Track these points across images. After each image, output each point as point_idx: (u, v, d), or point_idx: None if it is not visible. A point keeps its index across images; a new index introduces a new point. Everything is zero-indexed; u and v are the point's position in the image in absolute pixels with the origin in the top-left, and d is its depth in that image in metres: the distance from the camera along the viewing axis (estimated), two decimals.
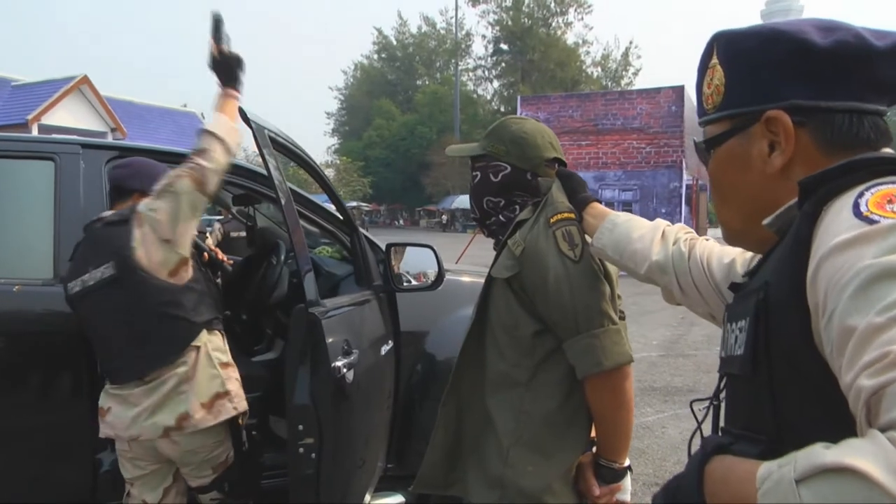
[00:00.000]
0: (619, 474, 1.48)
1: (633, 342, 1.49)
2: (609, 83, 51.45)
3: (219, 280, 2.50)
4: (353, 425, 2.00)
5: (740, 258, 1.11)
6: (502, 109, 50.82)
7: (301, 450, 1.77)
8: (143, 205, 1.93)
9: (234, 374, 2.05)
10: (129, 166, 2.16)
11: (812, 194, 0.69)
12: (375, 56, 60.27)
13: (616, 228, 1.34)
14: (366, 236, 2.71)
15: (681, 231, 1.28)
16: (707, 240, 1.24)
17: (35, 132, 16.66)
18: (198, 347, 1.95)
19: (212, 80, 2.09)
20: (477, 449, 1.52)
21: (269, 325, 3.43)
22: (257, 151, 1.88)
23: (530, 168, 1.58)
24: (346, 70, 66.49)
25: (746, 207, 0.86)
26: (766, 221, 0.79)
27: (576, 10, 52.08)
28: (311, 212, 2.71)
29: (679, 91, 18.62)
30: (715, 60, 0.87)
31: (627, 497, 1.53)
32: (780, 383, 0.69)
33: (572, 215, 1.47)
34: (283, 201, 1.90)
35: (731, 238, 0.94)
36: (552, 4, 51.62)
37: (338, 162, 46.25)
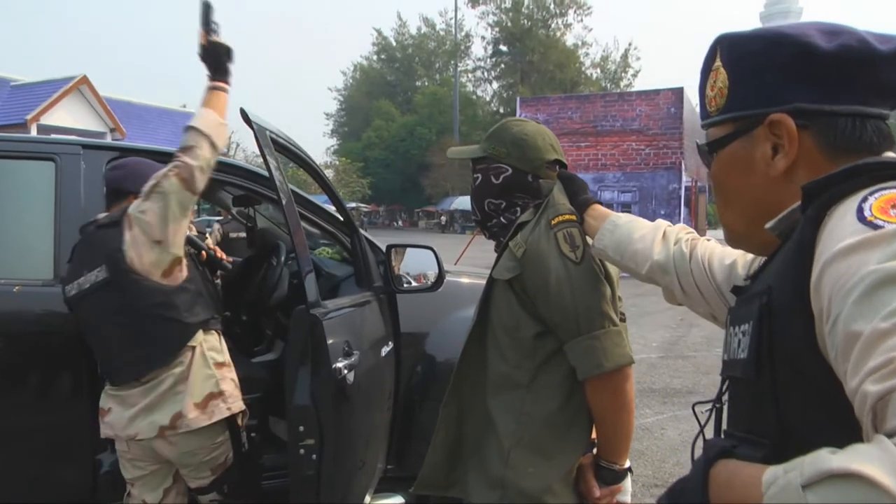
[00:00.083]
0: (620, 476, 1.49)
1: (632, 344, 1.50)
2: (608, 85, 51.50)
3: (218, 280, 2.50)
4: (353, 426, 2.00)
5: (741, 259, 1.11)
6: (501, 111, 50.85)
7: (302, 451, 1.77)
8: (133, 207, 1.92)
9: (229, 374, 2.04)
10: (124, 167, 2.14)
11: (815, 199, 0.69)
12: (375, 57, 60.36)
13: (617, 229, 1.34)
14: (366, 237, 2.71)
15: (682, 231, 1.28)
16: (708, 240, 1.24)
17: (34, 132, 16.64)
18: (193, 347, 1.95)
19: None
20: (478, 450, 1.53)
21: (269, 326, 3.44)
22: (258, 152, 1.87)
23: (531, 170, 1.58)
24: (345, 71, 66.76)
25: (749, 210, 0.86)
26: (768, 225, 0.79)
27: (575, 12, 52.18)
28: (311, 213, 2.71)
29: (678, 93, 18.62)
30: (718, 63, 0.87)
31: (628, 498, 1.53)
32: (784, 387, 0.69)
33: (573, 217, 1.48)
34: (284, 202, 1.90)
35: (733, 240, 0.94)
36: (551, 6, 51.68)
37: (337, 163, 46.24)
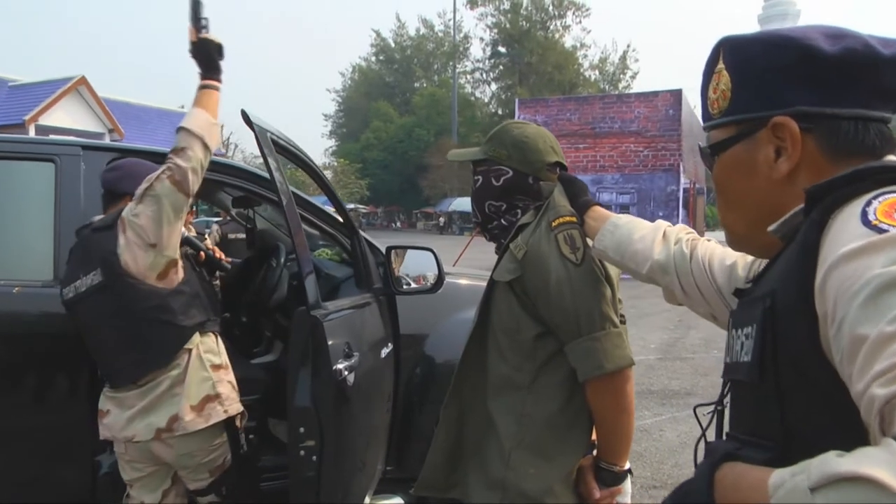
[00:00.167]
0: (620, 477, 1.49)
1: (630, 345, 1.50)
2: (607, 86, 51.51)
3: (217, 281, 2.49)
4: (353, 428, 2.00)
5: (741, 261, 1.11)
6: (500, 112, 50.83)
7: (302, 452, 1.77)
8: (127, 210, 1.91)
9: (226, 376, 2.04)
10: (120, 169, 2.13)
11: (819, 202, 0.69)
12: (373, 58, 60.28)
13: (617, 230, 1.34)
14: (365, 239, 2.71)
15: (682, 232, 1.28)
16: (708, 241, 1.25)
17: (32, 133, 16.64)
18: (190, 350, 1.95)
19: None
20: (478, 451, 1.53)
21: (269, 327, 3.44)
22: (256, 153, 1.87)
23: (532, 172, 1.59)
24: (343, 72, 66.65)
25: (751, 213, 0.86)
26: (771, 228, 0.79)
27: (574, 14, 52.13)
28: (310, 214, 2.71)
29: (677, 95, 18.62)
30: (721, 65, 0.87)
31: (628, 500, 1.54)
32: (788, 390, 0.69)
33: (574, 219, 1.48)
34: (285, 203, 1.89)
35: (735, 243, 0.94)
36: (550, 7, 51.67)
37: (335, 164, 46.20)
